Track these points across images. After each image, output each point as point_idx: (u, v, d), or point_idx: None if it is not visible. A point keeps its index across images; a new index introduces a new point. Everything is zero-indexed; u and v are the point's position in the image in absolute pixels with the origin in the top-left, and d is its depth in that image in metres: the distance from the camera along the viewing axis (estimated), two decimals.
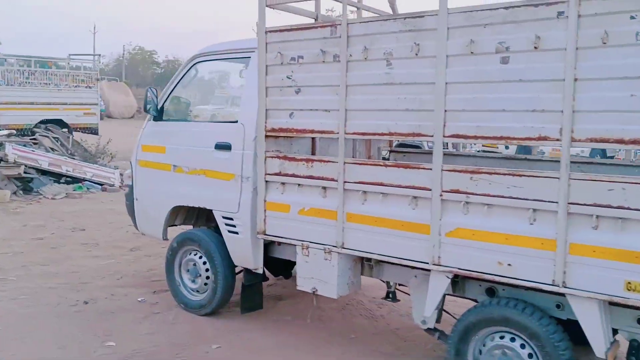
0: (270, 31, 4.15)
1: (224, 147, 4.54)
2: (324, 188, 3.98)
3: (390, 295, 4.37)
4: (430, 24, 3.40)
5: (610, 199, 2.91)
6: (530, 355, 3.30)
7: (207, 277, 4.81)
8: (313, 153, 4.75)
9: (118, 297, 5.23)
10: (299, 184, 4.11)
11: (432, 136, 3.44)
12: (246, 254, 4.49)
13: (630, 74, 2.81)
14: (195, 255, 4.89)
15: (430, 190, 3.47)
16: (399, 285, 4.31)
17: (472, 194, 3.34)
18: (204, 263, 4.82)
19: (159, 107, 5.02)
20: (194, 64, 4.94)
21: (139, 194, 5.25)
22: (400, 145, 5.40)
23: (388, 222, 3.70)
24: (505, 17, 3.15)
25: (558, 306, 3.35)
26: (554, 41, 3.00)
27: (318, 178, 4.01)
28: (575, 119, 2.96)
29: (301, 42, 4.00)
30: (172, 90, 5.08)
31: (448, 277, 3.50)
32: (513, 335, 3.36)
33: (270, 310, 5.02)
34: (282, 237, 4.26)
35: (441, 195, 3.43)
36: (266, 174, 4.26)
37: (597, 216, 2.95)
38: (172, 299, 5.11)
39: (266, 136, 4.25)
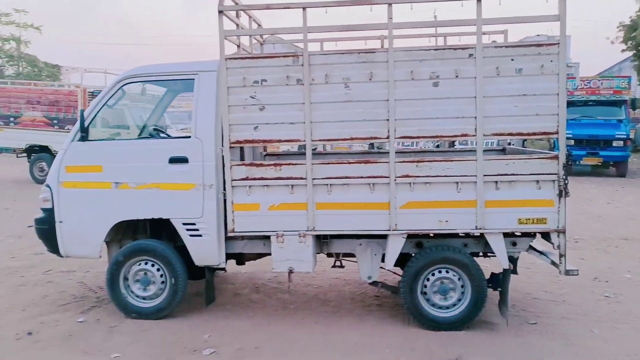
0: (230, 58, 4.87)
1: (179, 160, 5.01)
2: (292, 186, 4.93)
3: (338, 264, 5.50)
4: (381, 57, 4.74)
5: (506, 170, 4.75)
6: (459, 279, 4.95)
7: (162, 283, 5.16)
8: (242, 158, 5.58)
9: (53, 324, 5.05)
10: (266, 185, 4.96)
11: (387, 138, 4.80)
12: (211, 253, 5.07)
13: (513, 93, 4.67)
14: (146, 264, 5.17)
15: (387, 177, 4.82)
16: (344, 255, 5.49)
17: (418, 176, 4.81)
18: (158, 270, 5.16)
19: (85, 127, 5.09)
20: (123, 85, 5.18)
21: (65, 216, 5.16)
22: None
23: (352, 205, 4.90)
24: (435, 55, 4.71)
25: (465, 245, 5.09)
26: (469, 72, 4.68)
27: (287, 178, 4.93)
28: (484, 122, 4.71)
29: (264, 69, 4.85)
30: (99, 110, 5.19)
31: (403, 237, 4.91)
32: (448, 269, 4.96)
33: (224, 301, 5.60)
34: (253, 232, 5.02)
35: (395, 180, 4.82)
36: (233, 180, 4.96)
37: (499, 181, 4.76)
38: (111, 313, 5.26)
39: (230, 147, 4.95)
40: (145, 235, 5.49)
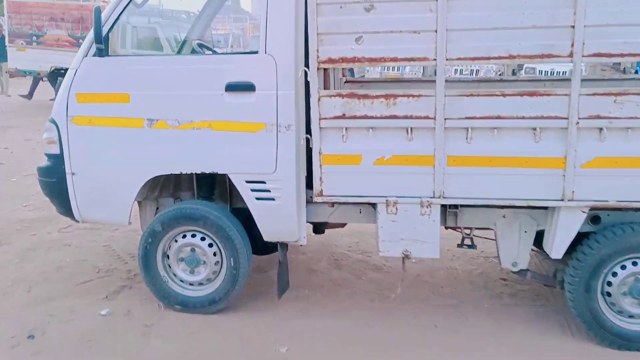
0: None
1: (242, 87, 3.34)
2: (411, 129, 3.25)
3: (469, 242, 3.87)
4: None
5: None
6: None
7: (217, 263, 3.65)
8: (326, 87, 3.87)
9: (66, 317, 3.62)
10: (371, 128, 3.28)
11: (570, 56, 3.02)
12: (287, 225, 3.48)
13: None
14: (193, 237, 3.63)
15: (565, 118, 3.08)
16: (476, 229, 3.84)
17: (615, 117, 3.06)
18: (210, 246, 3.62)
19: (103, 35, 3.44)
20: None
21: (80, 166, 3.60)
22: None
23: (503, 161, 3.21)
24: None
25: None
26: None
27: (404, 117, 3.23)
28: None
29: None
30: (123, 9, 3.50)
31: (584, 212, 3.22)
32: None
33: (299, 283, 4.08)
34: (351, 196, 3.39)
35: (578, 123, 3.08)
36: (321, 119, 3.29)
37: None
38: (146, 301, 3.82)
39: (318, 69, 3.25)
40: (191, 194, 3.93)
